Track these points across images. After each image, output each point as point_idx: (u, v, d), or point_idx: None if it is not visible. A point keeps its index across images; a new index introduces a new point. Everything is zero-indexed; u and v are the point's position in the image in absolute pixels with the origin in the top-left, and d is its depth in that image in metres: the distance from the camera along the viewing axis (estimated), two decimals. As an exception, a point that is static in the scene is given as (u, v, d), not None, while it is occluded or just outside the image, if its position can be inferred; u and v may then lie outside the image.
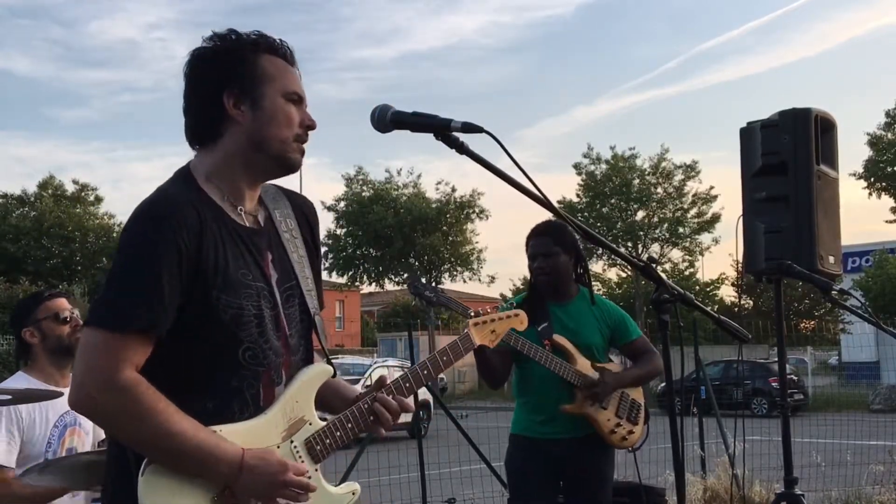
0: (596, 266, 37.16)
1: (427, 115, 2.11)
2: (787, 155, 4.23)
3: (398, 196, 36.53)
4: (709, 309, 2.56)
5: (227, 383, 1.97)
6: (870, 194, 34.81)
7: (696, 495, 7.23)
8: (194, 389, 1.94)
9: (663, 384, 17.18)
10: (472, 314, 2.56)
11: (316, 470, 2.07)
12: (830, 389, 25.29)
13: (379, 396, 2.17)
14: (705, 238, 36.88)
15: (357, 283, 38.90)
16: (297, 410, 2.06)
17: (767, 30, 70.49)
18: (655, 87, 71.88)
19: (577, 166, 36.54)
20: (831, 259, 4.27)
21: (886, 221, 35.05)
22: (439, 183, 42.40)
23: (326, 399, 2.17)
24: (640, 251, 34.25)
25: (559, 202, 28.42)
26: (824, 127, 4.31)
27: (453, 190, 36.86)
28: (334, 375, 2.18)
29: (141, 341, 1.87)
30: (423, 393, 8.71)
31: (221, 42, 2.06)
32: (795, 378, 23.23)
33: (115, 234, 34.68)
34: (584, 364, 4.05)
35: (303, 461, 2.05)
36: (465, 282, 38.26)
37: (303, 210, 2.24)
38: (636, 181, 35.91)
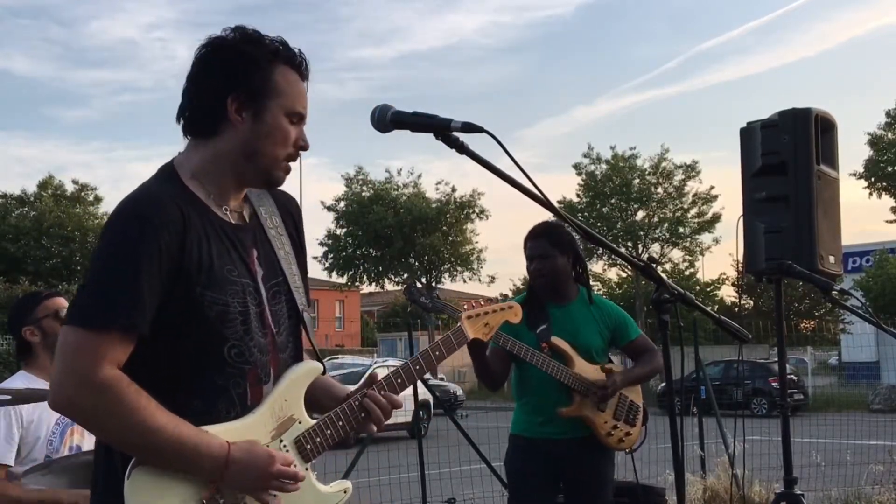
0: (596, 266, 37.23)
1: (427, 115, 2.10)
2: (787, 155, 4.23)
3: (398, 196, 36.55)
4: (709, 309, 2.57)
5: (213, 382, 1.95)
6: (870, 194, 34.87)
7: (696, 495, 7.23)
8: (180, 388, 1.92)
9: (663, 384, 17.19)
10: (465, 307, 2.55)
11: (307, 469, 2.05)
12: (830, 389, 25.29)
13: (369, 393, 2.14)
14: (705, 238, 36.96)
15: (357, 283, 38.92)
16: (285, 409, 2.03)
17: (767, 30, 70.53)
18: (655, 87, 71.95)
19: (577, 166, 36.60)
20: (831, 259, 4.27)
21: (886, 221, 35.13)
22: (439, 183, 42.41)
23: (316, 397, 2.14)
24: (640, 251, 34.25)
25: (559, 202, 28.39)
26: (824, 127, 4.31)
27: (453, 190, 36.93)
28: (324, 373, 2.15)
29: (120, 340, 1.84)
30: (424, 393, 8.69)
31: (242, 41, 2.03)
32: (795, 378, 23.22)
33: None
34: (581, 366, 4.05)
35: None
36: (465, 282, 38.33)
37: (287, 207, 2.23)
38: (636, 181, 35.92)
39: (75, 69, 73.74)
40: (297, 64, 2.07)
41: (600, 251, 33.29)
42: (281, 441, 2.02)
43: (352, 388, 2.24)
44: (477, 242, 37.56)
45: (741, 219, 4.40)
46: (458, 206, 36.69)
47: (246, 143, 2.02)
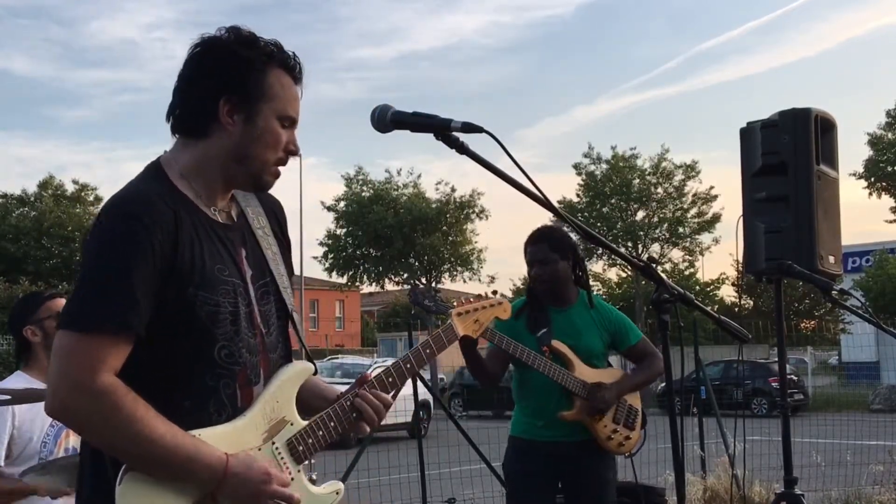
0: (596, 266, 37.22)
1: (427, 115, 2.10)
2: (787, 155, 4.22)
3: (398, 196, 36.49)
4: (709, 309, 2.56)
5: (204, 382, 1.92)
6: (870, 194, 34.86)
7: (696, 495, 7.23)
8: (170, 388, 1.89)
9: (663, 384, 17.16)
10: (455, 304, 2.55)
11: (299, 471, 2.04)
12: (830, 389, 25.27)
13: (361, 393, 2.13)
14: (705, 238, 36.92)
15: (357, 283, 38.85)
16: (277, 411, 2.01)
17: (767, 30, 70.62)
18: (655, 87, 72.03)
19: (577, 166, 36.57)
20: (831, 259, 4.27)
21: (886, 221, 35.11)
22: (439, 183, 42.31)
23: (307, 399, 2.12)
24: (640, 251, 34.22)
25: (559, 202, 28.38)
26: (824, 127, 4.31)
27: (453, 190, 36.81)
28: (315, 373, 2.14)
29: (116, 343, 1.81)
30: (423, 393, 8.67)
31: (237, 42, 2.00)
32: (795, 378, 23.21)
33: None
34: (582, 370, 4.05)
35: (285, 463, 2.01)
36: (465, 282, 38.23)
37: (272, 208, 2.22)
38: (636, 181, 35.89)
39: (75, 69, 73.88)
40: (291, 67, 2.06)
41: (600, 251, 33.28)
42: (273, 443, 2.00)
43: (343, 388, 2.22)
44: (477, 242, 37.47)
45: (741, 219, 4.40)
46: (458, 206, 36.62)
47: (237, 146, 2.00)
